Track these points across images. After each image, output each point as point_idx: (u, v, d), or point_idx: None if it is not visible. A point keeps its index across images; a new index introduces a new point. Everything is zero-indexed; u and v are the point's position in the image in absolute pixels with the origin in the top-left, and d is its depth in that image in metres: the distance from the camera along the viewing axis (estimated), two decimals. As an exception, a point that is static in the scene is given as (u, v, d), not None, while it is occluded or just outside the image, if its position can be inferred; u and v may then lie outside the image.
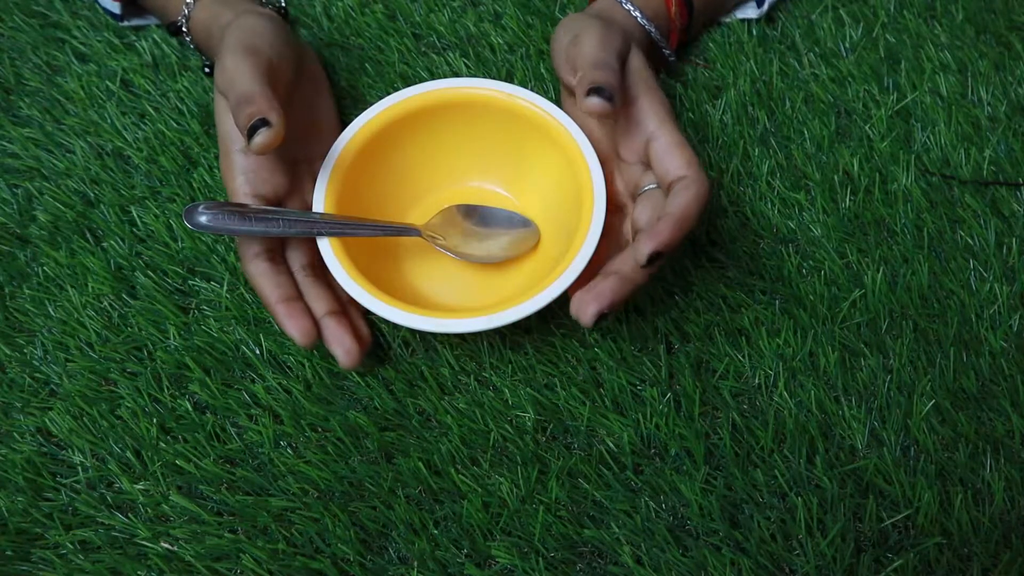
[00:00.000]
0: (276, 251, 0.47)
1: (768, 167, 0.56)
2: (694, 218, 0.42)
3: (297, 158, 0.49)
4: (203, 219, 0.43)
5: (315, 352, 0.49)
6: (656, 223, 0.42)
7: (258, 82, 0.44)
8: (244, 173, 0.46)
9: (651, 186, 0.47)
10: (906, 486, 0.45)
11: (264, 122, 0.42)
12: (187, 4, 0.53)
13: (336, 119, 0.54)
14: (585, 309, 0.42)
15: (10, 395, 0.49)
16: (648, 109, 0.46)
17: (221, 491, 0.46)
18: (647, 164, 0.47)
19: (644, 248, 0.41)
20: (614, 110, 0.43)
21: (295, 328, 0.45)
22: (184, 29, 0.54)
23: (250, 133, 0.42)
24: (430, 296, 0.50)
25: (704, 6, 0.58)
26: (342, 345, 0.45)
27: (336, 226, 0.45)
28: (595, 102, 0.43)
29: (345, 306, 0.48)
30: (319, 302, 0.46)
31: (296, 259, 0.48)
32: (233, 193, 0.46)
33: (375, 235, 0.47)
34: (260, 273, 0.46)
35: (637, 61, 0.48)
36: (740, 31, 0.61)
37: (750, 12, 0.61)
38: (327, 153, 0.48)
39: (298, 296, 0.46)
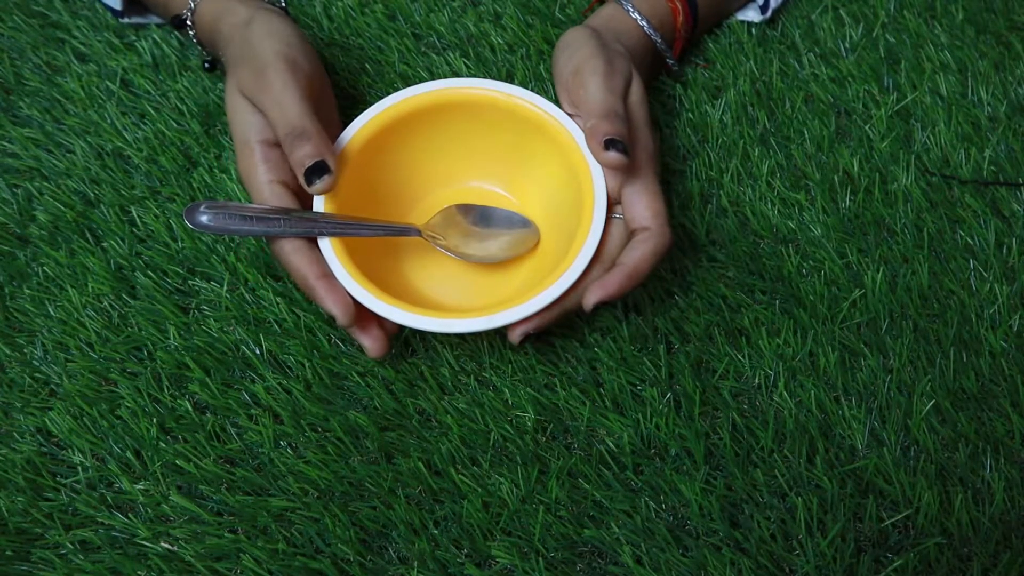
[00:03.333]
0: None
1: (768, 167, 0.56)
2: (648, 272, 0.45)
3: None
4: (203, 219, 0.43)
5: (315, 352, 0.49)
6: (609, 273, 0.44)
7: (310, 115, 0.45)
8: (266, 161, 0.46)
9: (615, 216, 0.48)
10: (906, 486, 0.45)
11: (324, 166, 0.44)
12: None
13: (336, 118, 0.54)
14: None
15: (10, 395, 0.49)
16: (632, 151, 0.47)
17: (221, 491, 0.46)
18: (617, 199, 0.48)
19: (591, 297, 0.44)
20: (628, 161, 0.45)
21: (336, 304, 0.44)
22: (189, 22, 0.53)
23: (308, 175, 0.44)
24: (430, 296, 0.50)
25: (708, 14, 0.58)
26: (369, 334, 0.45)
27: (336, 226, 0.45)
28: (614, 156, 0.45)
29: None
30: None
31: None
32: (255, 180, 0.46)
33: (375, 235, 0.47)
34: (294, 250, 0.45)
35: (636, 95, 0.49)
36: (740, 31, 0.61)
37: (752, 16, 0.61)
38: None
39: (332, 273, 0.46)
